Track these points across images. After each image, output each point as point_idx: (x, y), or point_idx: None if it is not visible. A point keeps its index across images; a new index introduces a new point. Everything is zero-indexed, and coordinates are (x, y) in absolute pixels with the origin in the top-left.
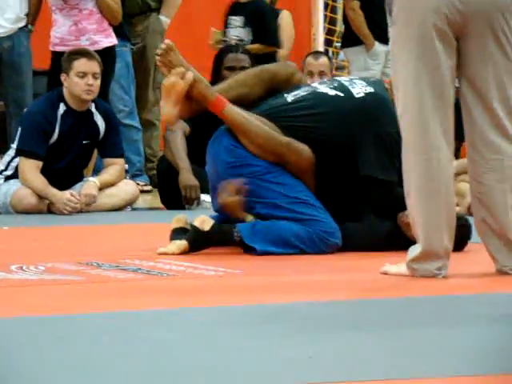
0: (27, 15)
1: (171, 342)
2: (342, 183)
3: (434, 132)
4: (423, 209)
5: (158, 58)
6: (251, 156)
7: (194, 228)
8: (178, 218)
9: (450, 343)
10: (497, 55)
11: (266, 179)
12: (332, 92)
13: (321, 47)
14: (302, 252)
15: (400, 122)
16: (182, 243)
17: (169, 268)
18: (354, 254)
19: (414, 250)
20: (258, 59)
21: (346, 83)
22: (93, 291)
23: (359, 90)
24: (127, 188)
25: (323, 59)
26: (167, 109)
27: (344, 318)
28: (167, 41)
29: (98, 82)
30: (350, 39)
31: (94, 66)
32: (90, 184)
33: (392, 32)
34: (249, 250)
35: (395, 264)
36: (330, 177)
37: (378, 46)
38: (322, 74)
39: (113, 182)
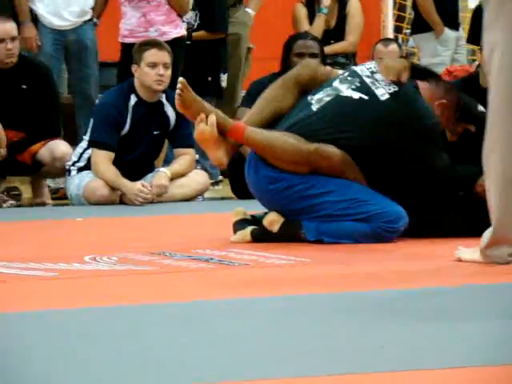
0: (93, 9)
1: (247, 330)
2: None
3: None
4: (501, 193)
5: (177, 97)
6: (288, 176)
7: (263, 228)
8: (237, 211)
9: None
10: None
11: (313, 194)
12: (356, 95)
13: (390, 34)
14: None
15: (490, 102)
16: (247, 234)
17: (240, 257)
18: (425, 240)
19: (487, 236)
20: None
21: (369, 83)
22: (165, 281)
23: (383, 90)
24: (198, 178)
25: (393, 46)
26: (212, 155)
27: (413, 307)
28: (181, 78)
29: (169, 72)
30: (420, 25)
31: (165, 57)
32: (160, 174)
33: (486, 18)
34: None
35: (469, 248)
36: (379, 177)
37: (448, 32)
38: None
39: (184, 172)
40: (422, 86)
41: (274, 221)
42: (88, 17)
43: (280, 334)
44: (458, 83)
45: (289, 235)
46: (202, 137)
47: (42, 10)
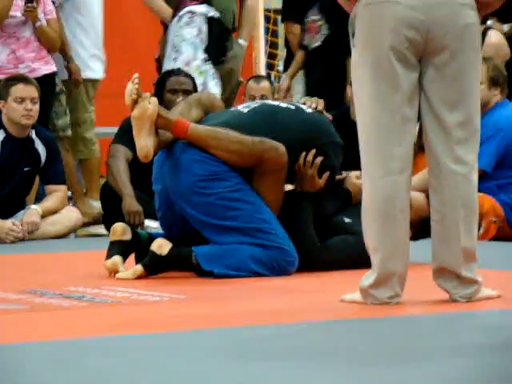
0: None
1: (110, 369)
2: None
3: (393, 156)
4: (379, 233)
5: (132, 88)
6: (224, 171)
7: (152, 253)
8: (116, 228)
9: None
10: (454, 75)
11: (235, 198)
12: (283, 104)
13: (262, 71)
14: (259, 275)
15: (360, 143)
16: (138, 268)
17: (113, 295)
18: (300, 274)
19: (369, 277)
20: None
21: (293, 103)
22: (36, 320)
23: (306, 108)
24: (70, 215)
25: (264, 83)
26: (143, 141)
27: (279, 343)
28: (136, 74)
29: (37, 106)
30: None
31: (32, 91)
32: (32, 211)
33: (353, 55)
34: (206, 275)
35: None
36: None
37: None
38: (263, 98)
39: (55, 208)
40: None
41: (162, 244)
42: None
43: (154, 373)
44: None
45: (179, 258)
46: (142, 114)
47: None
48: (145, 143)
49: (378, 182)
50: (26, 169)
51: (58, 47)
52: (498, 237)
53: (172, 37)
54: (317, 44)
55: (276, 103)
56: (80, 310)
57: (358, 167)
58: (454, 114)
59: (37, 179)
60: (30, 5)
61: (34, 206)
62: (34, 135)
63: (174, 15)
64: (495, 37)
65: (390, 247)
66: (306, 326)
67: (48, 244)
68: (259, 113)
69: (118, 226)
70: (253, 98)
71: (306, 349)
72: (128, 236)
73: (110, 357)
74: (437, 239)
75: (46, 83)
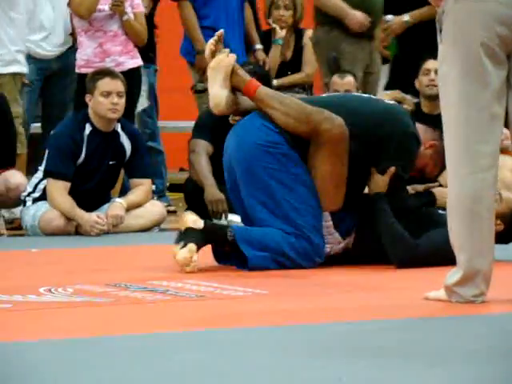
0: (71, 34)
1: (198, 363)
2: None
3: (481, 153)
4: (465, 231)
5: (212, 41)
6: (282, 143)
7: (189, 228)
8: (187, 217)
9: None
10: None
11: (281, 179)
12: (364, 95)
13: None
14: (293, 264)
15: (445, 140)
16: (191, 249)
17: (197, 289)
18: (378, 270)
19: (454, 275)
20: None
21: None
22: (121, 313)
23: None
24: (154, 209)
25: (348, 78)
26: (216, 89)
27: (371, 342)
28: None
29: (123, 100)
30: None
31: (118, 85)
32: (116, 205)
33: (441, 50)
34: (238, 253)
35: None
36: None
37: None
38: (347, 92)
39: (139, 202)
40: (418, 126)
41: (195, 220)
42: (70, 44)
43: (240, 367)
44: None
45: (216, 230)
46: (217, 64)
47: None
48: (217, 92)
49: (466, 180)
50: (111, 162)
51: (145, 41)
52: None
53: None
54: None
55: (357, 94)
56: (164, 304)
57: None
58: None
59: (122, 173)
60: None
61: (118, 200)
62: (119, 129)
63: None
64: None
65: (476, 245)
66: (388, 324)
67: (132, 237)
68: (336, 97)
69: (191, 216)
70: None
71: (388, 347)
72: (200, 224)
73: (197, 351)
74: None
75: (132, 77)
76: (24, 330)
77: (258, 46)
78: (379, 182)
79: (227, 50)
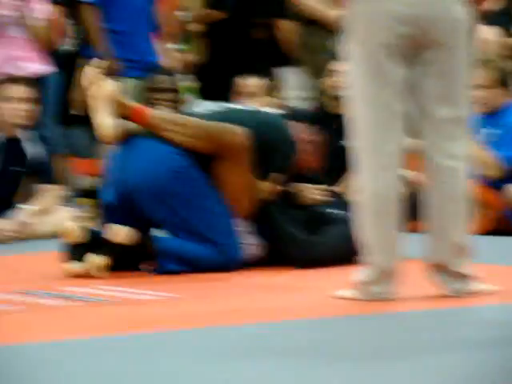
0: None
1: (102, 368)
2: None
3: (382, 152)
4: (372, 229)
5: (89, 71)
6: (190, 166)
7: (108, 241)
8: (71, 229)
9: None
10: (445, 70)
11: (191, 200)
12: (244, 107)
13: None
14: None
15: (352, 139)
16: (102, 260)
17: (106, 294)
18: (282, 271)
19: (363, 273)
20: None
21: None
22: (31, 320)
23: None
24: (62, 214)
25: (253, 80)
26: (101, 118)
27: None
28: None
29: (25, 107)
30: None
31: (21, 92)
32: (23, 212)
33: (348, 50)
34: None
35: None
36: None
37: None
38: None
39: (46, 209)
40: (296, 125)
41: (118, 232)
42: None
43: (147, 372)
44: (312, 114)
45: (138, 247)
46: (101, 92)
47: None
48: (104, 121)
49: (370, 179)
50: (13, 168)
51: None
52: (500, 230)
53: None
54: None
55: (238, 107)
56: (76, 309)
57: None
58: (445, 109)
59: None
60: None
61: (25, 206)
62: (22, 135)
63: None
64: (486, 33)
65: (383, 243)
66: (298, 324)
67: (39, 244)
68: (223, 116)
69: (74, 226)
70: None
71: (301, 347)
72: (85, 237)
73: (109, 356)
74: (428, 234)
75: (37, 83)
76: None
77: (169, 46)
78: (264, 189)
79: (104, 77)
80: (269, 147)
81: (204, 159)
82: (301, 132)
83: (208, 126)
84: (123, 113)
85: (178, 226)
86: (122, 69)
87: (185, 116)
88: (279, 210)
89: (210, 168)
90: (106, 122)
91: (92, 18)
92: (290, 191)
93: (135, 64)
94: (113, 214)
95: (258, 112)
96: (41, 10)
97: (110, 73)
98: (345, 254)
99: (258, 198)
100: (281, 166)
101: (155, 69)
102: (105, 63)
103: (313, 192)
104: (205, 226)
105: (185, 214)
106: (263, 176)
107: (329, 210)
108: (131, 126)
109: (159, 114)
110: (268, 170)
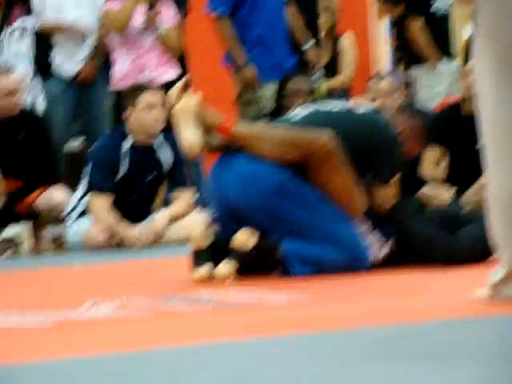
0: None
1: (250, 374)
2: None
3: None
4: (507, 228)
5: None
6: (294, 181)
7: (234, 252)
8: (198, 236)
9: None
10: None
11: (302, 212)
12: (336, 109)
13: (386, 66)
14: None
15: (483, 139)
16: (230, 268)
17: (239, 298)
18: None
19: (498, 272)
20: None
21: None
22: (166, 325)
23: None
24: (197, 220)
25: (384, 82)
26: (187, 134)
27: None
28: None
29: (164, 114)
30: (414, 57)
31: (158, 99)
32: (158, 219)
33: (475, 45)
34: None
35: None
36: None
37: (443, 64)
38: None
39: (182, 214)
40: (394, 114)
41: (247, 239)
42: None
43: (285, 377)
44: (442, 114)
45: (264, 253)
46: (183, 107)
47: (56, 59)
48: (189, 136)
49: (505, 178)
50: (151, 175)
51: (179, 53)
52: None
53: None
54: None
55: (328, 108)
56: (209, 314)
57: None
58: None
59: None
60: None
61: (160, 213)
62: (159, 142)
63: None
64: None
65: None
66: (433, 326)
67: (175, 249)
68: (310, 121)
69: (201, 234)
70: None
71: (435, 349)
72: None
73: (241, 362)
74: None
75: (169, 89)
76: (68, 345)
77: (307, 46)
78: (388, 195)
79: (190, 92)
80: (366, 147)
81: (301, 169)
82: (400, 122)
83: (295, 135)
84: (211, 125)
85: (295, 235)
86: (263, 74)
87: (269, 127)
88: (410, 212)
89: (309, 177)
90: (190, 136)
91: (227, 28)
92: (420, 196)
93: (275, 68)
94: (224, 225)
95: (354, 113)
96: (170, 18)
97: (251, 81)
98: (481, 253)
99: (377, 202)
100: (393, 165)
101: (291, 71)
102: (187, 79)
103: (442, 195)
104: (326, 231)
105: (300, 224)
106: (379, 180)
107: (463, 211)
108: (217, 140)
109: (242, 128)
110: (379, 171)
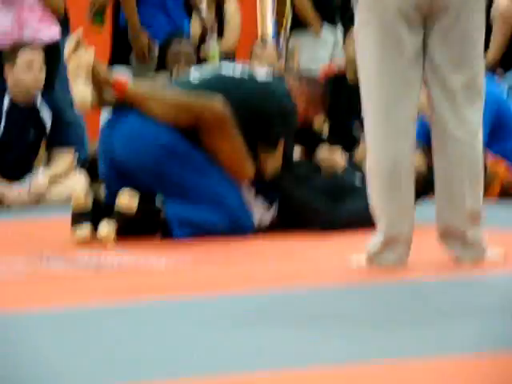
0: None
1: (129, 336)
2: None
3: (395, 118)
4: (385, 196)
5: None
6: (182, 143)
7: (118, 215)
8: (79, 196)
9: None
10: (458, 36)
11: (189, 174)
12: (237, 74)
13: (270, 32)
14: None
15: (363, 105)
16: (110, 232)
17: (119, 260)
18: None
19: (374, 240)
20: None
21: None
22: (42, 287)
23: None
24: (78, 180)
25: (269, 49)
26: (79, 90)
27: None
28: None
29: (43, 74)
30: (297, 24)
31: (38, 58)
32: (38, 179)
33: (356, 17)
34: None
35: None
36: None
37: (326, 31)
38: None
39: (63, 173)
40: (291, 81)
41: (130, 200)
42: None
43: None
44: (328, 82)
45: (147, 215)
46: (77, 61)
47: None
48: (80, 92)
49: (384, 145)
50: (32, 134)
51: (62, 12)
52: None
53: None
54: None
55: (229, 74)
56: (86, 277)
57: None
58: (458, 75)
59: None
60: None
61: (41, 173)
62: (39, 102)
63: None
64: (503, 2)
65: (396, 210)
66: (308, 292)
67: (56, 209)
68: (209, 84)
69: (80, 193)
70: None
71: (310, 315)
72: (89, 204)
73: (121, 324)
74: (441, 200)
75: (51, 49)
76: None
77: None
78: (274, 161)
79: (84, 41)
80: (261, 116)
81: (192, 133)
82: (294, 87)
83: (188, 100)
84: (103, 82)
85: (180, 197)
86: (159, 35)
87: (164, 89)
88: (294, 179)
89: (199, 141)
90: (82, 91)
91: None
92: (313, 160)
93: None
94: (109, 183)
95: (254, 81)
96: None
97: (145, 49)
98: (361, 221)
99: (269, 168)
100: (280, 131)
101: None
102: (80, 36)
103: (334, 158)
104: (211, 194)
105: (186, 186)
106: (268, 147)
107: (350, 180)
108: (110, 96)
109: (136, 87)
110: (269, 139)
